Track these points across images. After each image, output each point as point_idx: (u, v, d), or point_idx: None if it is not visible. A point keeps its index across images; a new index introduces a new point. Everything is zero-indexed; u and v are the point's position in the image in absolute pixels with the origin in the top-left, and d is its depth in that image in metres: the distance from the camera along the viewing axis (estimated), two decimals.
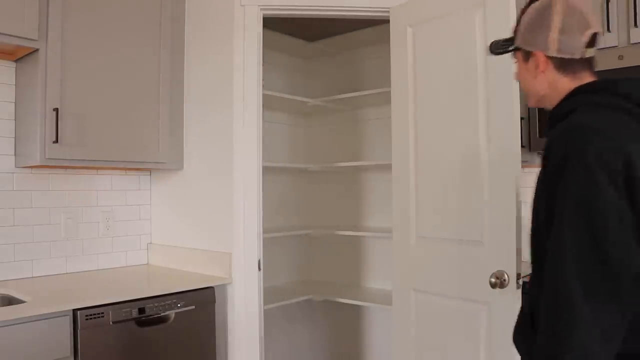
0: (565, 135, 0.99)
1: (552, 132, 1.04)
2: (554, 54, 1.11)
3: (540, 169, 1.05)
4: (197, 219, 2.52)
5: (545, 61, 1.13)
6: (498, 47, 1.27)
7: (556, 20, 1.10)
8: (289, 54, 3.38)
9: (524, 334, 1.17)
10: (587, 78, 1.12)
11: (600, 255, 0.91)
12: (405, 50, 2.23)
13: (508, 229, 1.85)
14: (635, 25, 2.07)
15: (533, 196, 1.09)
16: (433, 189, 2.10)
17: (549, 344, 0.93)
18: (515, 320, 1.24)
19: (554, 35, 1.10)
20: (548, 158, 1.00)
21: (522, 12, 1.19)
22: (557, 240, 0.95)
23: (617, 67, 2.09)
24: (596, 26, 1.12)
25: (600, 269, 0.90)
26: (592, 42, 1.11)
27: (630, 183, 0.92)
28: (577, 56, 1.10)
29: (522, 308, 1.24)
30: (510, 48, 1.23)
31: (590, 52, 1.11)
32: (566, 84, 1.12)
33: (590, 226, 0.92)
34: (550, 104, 1.16)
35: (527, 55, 1.17)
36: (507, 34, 1.88)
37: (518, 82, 1.54)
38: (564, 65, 1.12)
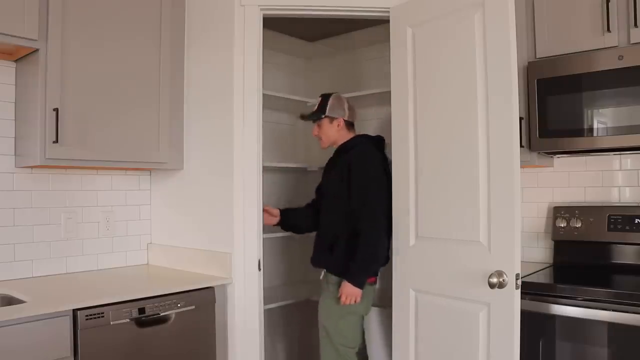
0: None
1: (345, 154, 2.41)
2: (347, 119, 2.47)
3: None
4: (197, 219, 2.52)
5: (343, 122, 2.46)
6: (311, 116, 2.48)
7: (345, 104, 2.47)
8: (289, 54, 3.38)
9: (324, 257, 2.40)
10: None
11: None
12: (405, 50, 2.23)
13: (507, 229, 1.85)
14: (635, 25, 2.07)
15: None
16: (433, 189, 2.10)
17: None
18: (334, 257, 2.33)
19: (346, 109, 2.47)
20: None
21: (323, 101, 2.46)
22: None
23: (617, 67, 2.09)
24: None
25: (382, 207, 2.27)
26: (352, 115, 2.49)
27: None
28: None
29: (319, 241, 2.45)
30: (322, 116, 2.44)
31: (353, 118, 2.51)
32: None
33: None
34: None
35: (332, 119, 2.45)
36: (506, 33, 1.90)
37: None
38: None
